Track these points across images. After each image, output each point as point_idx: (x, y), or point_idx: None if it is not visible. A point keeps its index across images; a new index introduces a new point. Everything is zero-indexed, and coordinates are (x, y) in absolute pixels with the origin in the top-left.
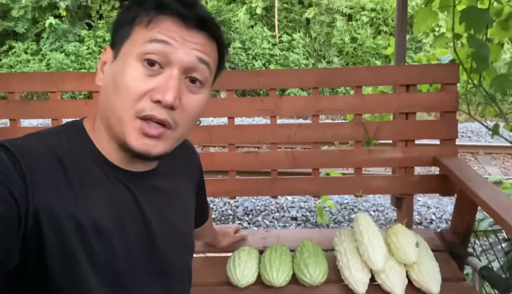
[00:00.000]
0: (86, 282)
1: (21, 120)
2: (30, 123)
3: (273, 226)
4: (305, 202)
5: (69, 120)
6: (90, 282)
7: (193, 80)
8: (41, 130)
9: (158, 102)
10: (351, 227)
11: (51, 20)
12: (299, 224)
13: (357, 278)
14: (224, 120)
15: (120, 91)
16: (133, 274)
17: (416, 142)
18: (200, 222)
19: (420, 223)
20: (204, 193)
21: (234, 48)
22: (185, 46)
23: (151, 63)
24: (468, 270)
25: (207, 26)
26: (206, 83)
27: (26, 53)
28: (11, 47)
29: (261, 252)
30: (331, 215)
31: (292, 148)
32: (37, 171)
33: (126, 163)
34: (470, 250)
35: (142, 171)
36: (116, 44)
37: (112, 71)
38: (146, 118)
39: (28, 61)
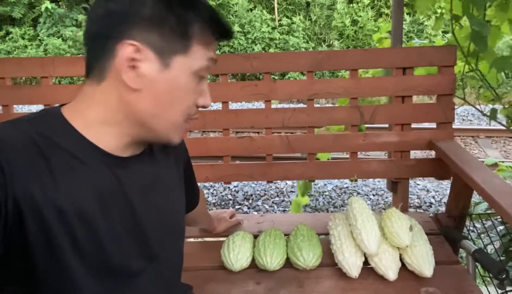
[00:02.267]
0: (71, 270)
1: (14, 106)
2: (27, 109)
3: (273, 211)
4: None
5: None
6: (75, 270)
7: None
8: (14, 119)
9: (202, 106)
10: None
11: (47, 4)
12: None
13: (351, 262)
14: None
15: (177, 101)
16: (121, 260)
17: (413, 125)
18: (190, 206)
19: (420, 207)
20: (192, 176)
21: (232, 32)
22: None
23: (204, 76)
24: (462, 253)
25: None
26: None
27: (23, 38)
28: (8, 33)
29: (256, 236)
30: (330, 199)
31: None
32: (14, 159)
33: (121, 150)
34: (465, 233)
35: (128, 156)
36: (160, 48)
37: (167, 81)
38: (192, 119)
39: (26, 46)
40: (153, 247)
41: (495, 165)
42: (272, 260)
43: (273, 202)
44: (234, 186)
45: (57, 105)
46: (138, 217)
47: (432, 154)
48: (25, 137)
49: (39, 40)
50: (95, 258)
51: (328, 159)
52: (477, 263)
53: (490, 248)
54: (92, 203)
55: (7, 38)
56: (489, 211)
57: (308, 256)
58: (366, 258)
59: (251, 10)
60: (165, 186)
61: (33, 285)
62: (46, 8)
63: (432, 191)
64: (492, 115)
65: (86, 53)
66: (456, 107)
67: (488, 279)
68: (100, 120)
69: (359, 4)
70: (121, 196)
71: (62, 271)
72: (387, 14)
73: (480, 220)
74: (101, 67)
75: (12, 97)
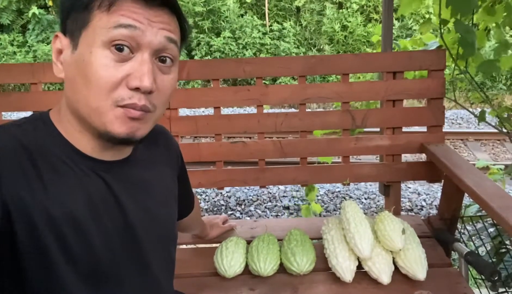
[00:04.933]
0: (60, 275)
1: (3, 113)
2: (16, 116)
3: (265, 216)
4: (297, 191)
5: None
6: (65, 275)
7: (163, 60)
8: (3, 124)
9: (136, 89)
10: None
11: (34, 10)
12: (291, 213)
13: (344, 266)
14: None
15: (91, 82)
16: (112, 267)
17: (404, 129)
18: (185, 212)
19: (411, 210)
20: (186, 182)
21: (224, 37)
22: (152, 27)
23: (120, 48)
24: (454, 256)
25: (169, 1)
26: (176, 61)
27: (12, 45)
28: None
29: (249, 242)
30: (323, 204)
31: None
32: (3, 164)
33: (99, 152)
34: (457, 236)
35: (115, 160)
36: (71, 30)
37: (76, 61)
38: (127, 107)
39: (15, 53)
40: (144, 253)
41: (486, 168)
42: (266, 265)
43: (265, 207)
44: (227, 192)
45: (47, 110)
46: (129, 222)
47: (423, 157)
48: (14, 142)
49: (28, 46)
50: (86, 263)
51: (332, 163)
52: (469, 266)
53: (481, 250)
54: (82, 208)
55: None
56: (480, 213)
57: (302, 261)
58: (359, 262)
59: (242, 15)
60: (155, 192)
61: (23, 291)
62: (34, 14)
63: (423, 194)
64: (481, 117)
65: None
66: (445, 110)
67: (481, 281)
68: (68, 122)
69: (349, 10)
70: (111, 201)
71: (52, 277)
72: (376, 20)
73: (471, 223)
74: None
75: (1, 103)
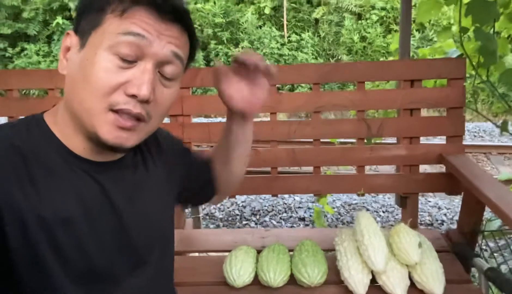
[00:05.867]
0: (53, 276)
1: (20, 117)
2: None
3: (280, 227)
4: (312, 202)
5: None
6: (58, 276)
7: (166, 74)
8: None
9: (133, 96)
10: None
11: (59, 20)
12: (307, 225)
13: (357, 279)
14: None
15: (90, 83)
16: (107, 268)
17: (422, 140)
18: (211, 192)
19: (431, 224)
20: (194, 162)
21: (242, 47)
22: (160, 40)
23: (125, 55)
24: (474, 272)
25: (182, 18)
26: (178, 77)
27: (38, 55)
28: (23, 49)
29: (259, 251)
30: (339, 216)
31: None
32: None
33: (93, 154)
34: (477, 251)
35: (109, 161)
36: (82, 30)
37: (80, 60)
38: (120, 112)
39: (39, 62)
40: (139, 253)
41: (509, 181)
42: (276, 276)
43: (280, 218)
44: (242, 202)
45: (40, 112)
46: (123, 223)
47: (441, 168)
48: (7, 144)
49: (53, 56)
50: (79, 264)
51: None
52: (490, 282)
53: (504, 268)
54: (74, 210)
55: (22, 54)
56: (502, 228)
57: (313, 273)
58: (373, 276)
59: (260, 27)
60: (152, 191)
61: (16, 292)
62: (57, 23)
63: (444, 208)
64: (503, 127)
65: None
66: (467, 123)
67: None
68: (64, 123)
69: (368, 21)
70: (105, 202)
71: (44, 278)
72: (396, 30)
73: (493, 238)
74: None
75: (19, 108)
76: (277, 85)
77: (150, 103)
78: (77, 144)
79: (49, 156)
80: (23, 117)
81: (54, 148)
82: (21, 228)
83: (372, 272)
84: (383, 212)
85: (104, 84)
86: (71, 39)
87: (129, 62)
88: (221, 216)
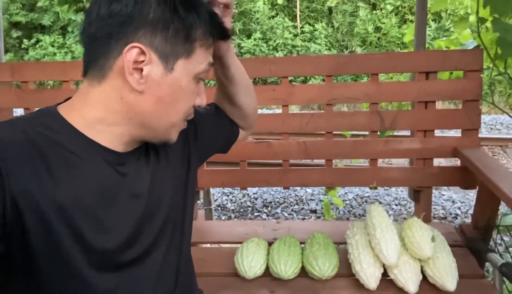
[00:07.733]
0: (74, 264)
1: (36, 109)
2: None
3: (292, 219)
4: (324, 195)
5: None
6: (79, 263)
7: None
8: (11, 118)
9: (198, 106)
10: None
11: (71, 15)
12: (318, 217)
13: (368, 273)
14: None
15: (180, 102)
16: (127, 254)
17: (436, 132)
18: (236, 129)
19: (445, 218)
20: (215, 122)
21: (254, 39)
22: None
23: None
24: (488, 267)
25: None
26: None
27: (52, 46)
28: (38, 40)
29: (270, 243)
30: (351, 208)
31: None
32: (11, 159)
33: (116, 145)
34: (492, 246)
35: (125, 151)
36: (163, 51)
37: (171, 83)
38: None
39: (54, 54)
40: (159, 240)
41: None
42: (287, 268)
43: (292, 210)
44: (253, 193)
45: (53, 105)
46: (141, 209)
47: (456, 162)
48: (22, 135)
49: (67, 47)
50: (99, 253)
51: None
52: (504, 278)
53: None
54: (92, 198)
55: (37, 46)
56: None
57: (324, 266)
58: (385, 269)
59: (273, 17)
60: (170, 173)
61: (36, 284)
62: (70, 18)
63: (458, 202)
64: None
65: (84, 53)
66: (483, 115)
67: None
68: (98, 119)
69: (383, 11)
70: (123, 189)
71: (65, 266)
72: (411, 21)
73: (508, 233)
74: (101, 67)
75: (34, 100)
76: (289, 77)
77: None
78: (106, 138)
79: (64, 146)
80: (38, 109)
81: (69, 138)
82: (39, 218)
83: (383, 265)
84: (396, 205)
85: (191, 104)
86: (146, 56)
87: None
88: (233, 208)
